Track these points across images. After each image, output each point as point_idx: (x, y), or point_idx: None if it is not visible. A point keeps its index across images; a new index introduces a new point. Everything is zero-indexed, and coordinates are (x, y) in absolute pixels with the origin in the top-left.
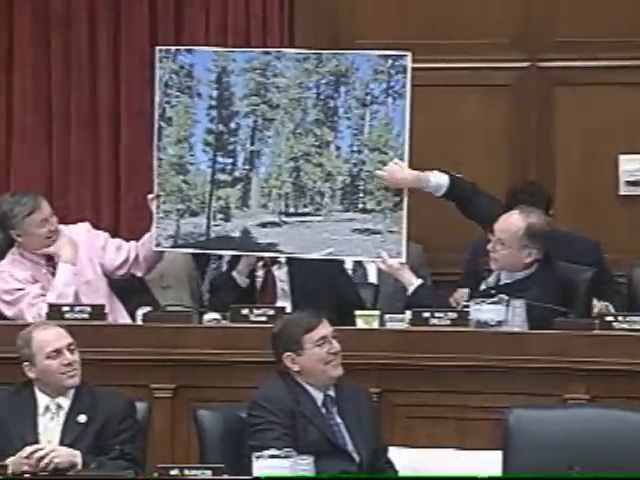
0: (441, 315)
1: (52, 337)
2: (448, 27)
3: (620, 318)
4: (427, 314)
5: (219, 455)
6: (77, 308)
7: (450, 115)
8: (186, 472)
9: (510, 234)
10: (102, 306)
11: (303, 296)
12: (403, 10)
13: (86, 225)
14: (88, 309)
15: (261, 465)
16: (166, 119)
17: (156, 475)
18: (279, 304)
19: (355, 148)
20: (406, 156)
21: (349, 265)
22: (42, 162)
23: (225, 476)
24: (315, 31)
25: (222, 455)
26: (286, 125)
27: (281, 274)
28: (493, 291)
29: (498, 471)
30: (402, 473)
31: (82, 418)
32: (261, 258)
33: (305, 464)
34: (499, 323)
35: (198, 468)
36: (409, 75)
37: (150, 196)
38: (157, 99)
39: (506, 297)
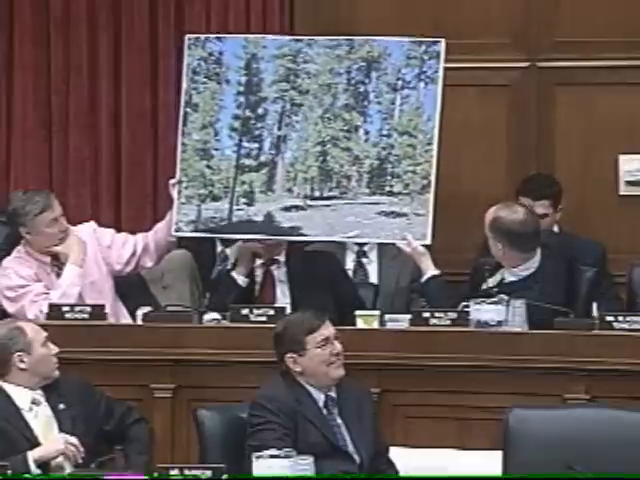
0: (441, 315)
1: (37, 328)
2: (448, 27)
3: (620, 318)
4: (427, 314)
5: (219, 455)
6: (77, 308)
7: (450, 115)
8: (186, 472)
9: (485, 224)
10: (102, 306)
11: (302, 296)
12: (403, 10)
13: (92, 224)
14: (88, 309)
15: (261, 465)
16: (192, 105)
17: (156, 475)
18: (278, 304)
19: (384, 132)
20: (435, 140)
21: (349, 265)
22: (42, 162)
23: (225, 476)
24: (315, 29)
25: (222, 455)
26: (315, 110)
27: (280, 274)
28: (496, 289)
29: (498, 471)
30: (402, 473)
31: (61, 406)
32: (260, 257)
33: (305, 464)
34: (499, 323)
35: (198, 468)
36: (442, 61)
37: (172, 181)
38: (184, 86)
39: (506, 297)
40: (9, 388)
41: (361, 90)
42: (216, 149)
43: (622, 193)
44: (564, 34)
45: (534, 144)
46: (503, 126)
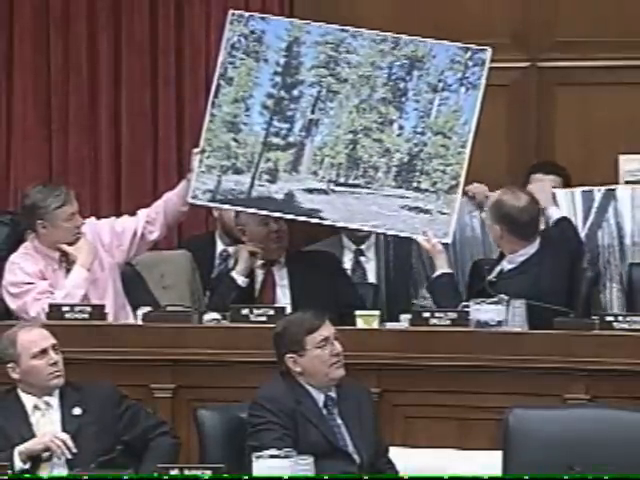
0: (441, 315)
1: (37, 337)
2: (448, 27)
3: (620, 318)
4: (427, 314)
5: (219, 455)
6: (77, 308)
7: None
8: (186, 472)
9: (488, 207)
10: (102, 306)
11: (302, 296)
12: (403, 9)
13: (91, 221)
14: (88, 309)
15: (261, 465)
16: (227, 78)
17: (156, 475)
18: (278, 304)
19: (419, 129)
20: (469, 144)
21: (347, 264)
22: (42, 162)
23: (225, 476)
24: None
25: (222, 455)
26: (351, 99)
27: (280, 274)
28: (495, 279)
29: (498, 471)
30: (402, 473)
31: (77, 411)
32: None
33: (305, 464)
34: (499, 323)
35: (198, 468)
36: (486, 69)
37: (195, 150)
38: (220, 59)
39: (506, 297)
40: (20, 393)
41: (400, 86)
42: (245, 124)
43: None
44: (564, 34)
45: (534, 144)
46: (503, 126)
